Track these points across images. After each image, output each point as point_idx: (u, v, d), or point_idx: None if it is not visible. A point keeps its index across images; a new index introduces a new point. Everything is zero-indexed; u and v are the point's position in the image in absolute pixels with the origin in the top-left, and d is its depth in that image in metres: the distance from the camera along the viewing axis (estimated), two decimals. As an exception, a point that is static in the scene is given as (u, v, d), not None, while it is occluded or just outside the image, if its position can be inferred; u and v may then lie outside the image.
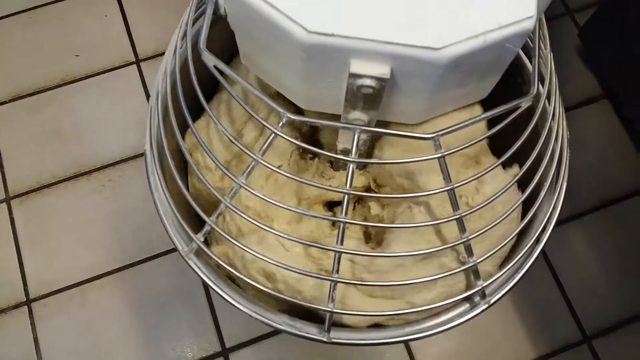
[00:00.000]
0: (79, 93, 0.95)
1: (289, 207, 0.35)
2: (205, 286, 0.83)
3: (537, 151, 0.37)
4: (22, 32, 0.99)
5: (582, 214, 0.88)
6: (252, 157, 0.35)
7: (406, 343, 0.82)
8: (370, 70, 0.31)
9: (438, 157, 0.35)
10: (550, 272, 0.85)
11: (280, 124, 0.35)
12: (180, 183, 0.37)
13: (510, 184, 0.37)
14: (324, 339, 0.39)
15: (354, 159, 0.35)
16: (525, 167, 0.37)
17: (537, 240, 0.41)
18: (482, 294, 0.38)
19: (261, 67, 0.38)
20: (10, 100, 0.94)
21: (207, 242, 0.41)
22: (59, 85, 0.95)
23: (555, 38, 0.90)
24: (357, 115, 0.37)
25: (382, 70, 0.31)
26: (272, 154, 0.44)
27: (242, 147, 0.35)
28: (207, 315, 0.83)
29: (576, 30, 0.98)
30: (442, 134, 0.35)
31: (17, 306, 0.83)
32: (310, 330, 0.40)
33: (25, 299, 0.84)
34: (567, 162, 0.41)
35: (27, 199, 0.89)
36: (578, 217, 0.88)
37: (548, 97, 0.39)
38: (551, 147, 0.40)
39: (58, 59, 0.97)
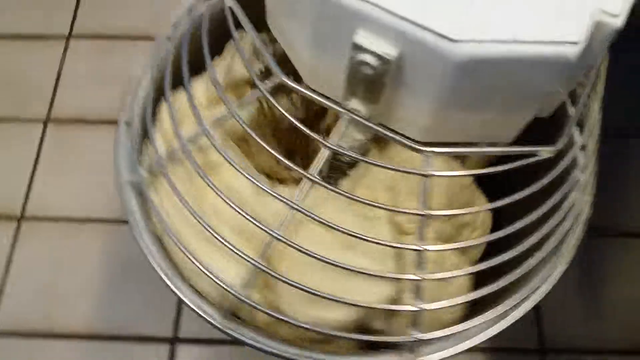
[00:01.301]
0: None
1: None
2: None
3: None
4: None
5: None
6: (229, 108, 0.32)
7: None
8: (376, 45, 0.28)
9: (422, 174, 0.30)
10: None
11: (271, 84, 0.31)
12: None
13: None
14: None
15: (330, 145, 0.30)
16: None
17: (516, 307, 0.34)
18: (411, 348, 0.32)
19: (280, 28, 0.35)
20: (89, 37, 0.97)
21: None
22: (140, 38, 0.97)
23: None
24: (355, 104, 0.33)
25: (388, 49, 0.27)
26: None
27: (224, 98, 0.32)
28: (172, 298, 0.79)
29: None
30: (438, 152, 0.30)
31: (8, 218, 0.83)
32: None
33: (19, 215, 0.84)
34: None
35: (63, 127, 0.90)
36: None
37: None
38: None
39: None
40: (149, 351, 0.75)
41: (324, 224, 0.29)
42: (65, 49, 0.95)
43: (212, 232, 0.31)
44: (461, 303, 0.32)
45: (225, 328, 0.32)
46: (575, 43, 0.26)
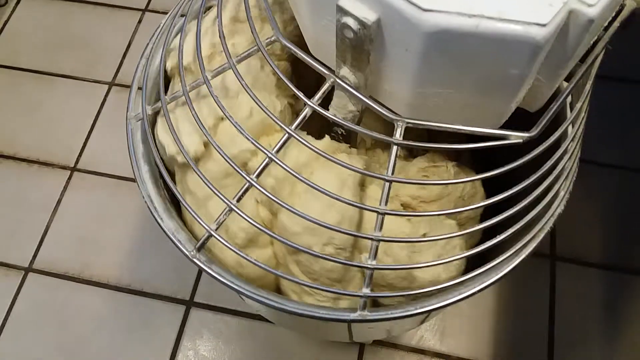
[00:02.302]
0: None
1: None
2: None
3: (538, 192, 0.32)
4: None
5: None
6: (229, 61, 0.34)
7: None
8: (357, 10, 0.29)
9: (392, 141, 0.31)
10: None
11: (267, 40, 0.34)
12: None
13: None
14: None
15: (312, 104, 0.32)
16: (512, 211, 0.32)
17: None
18: (363, 304, 0.33)
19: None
20: (161, 12, 1.03)
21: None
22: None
23: None
24: (345, 72, 0.34)
25: (367, 14, 0.29)
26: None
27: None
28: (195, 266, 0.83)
29: None
30: (408, 121, 0.32)
31: (63, 167, 0.90)
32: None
33: (72, 165, 0.91)
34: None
35: (124, 92, 0.97)
36: None
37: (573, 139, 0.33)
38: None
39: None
40: (166, 310, 0.80)
41: (290, 173, 0.31)
42: (140, 21, 1.02)
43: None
44: (408, 268, 0.33)
45: (194, 258, 0.34)
46: (543, 25, 0.27)
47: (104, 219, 0.87)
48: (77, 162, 0.91)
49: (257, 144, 0.33)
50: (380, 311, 0.33)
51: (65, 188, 0.89)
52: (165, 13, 1.01)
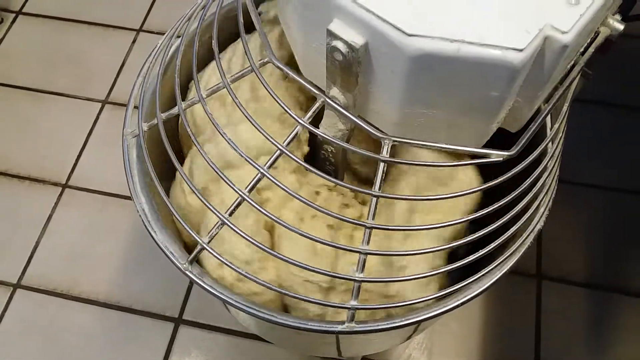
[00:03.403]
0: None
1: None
2: (201, 256, 0.85)
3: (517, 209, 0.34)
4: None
5: None
6: (223, 81, 0.36)
7: None
8: (346, 34, 0.31)
9: (380, 159, 0.33)
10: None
11: (260, 61, 0.35)
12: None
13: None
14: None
15: (303, 122, 0.34)
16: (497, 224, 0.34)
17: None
18: (351, 316, 0.34)
19: (284, 17, 0.39)
20: (156, 33, 1.05)
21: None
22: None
23: None
24: (335, 92, 0.36)
25: (356, 38, 0.31)
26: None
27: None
28: (184, 281, 0.83)
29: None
30: (396, 140, 0.33)
31: (54, 184, 0.91)
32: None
33: (64, 182, 0.91)
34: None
35: (118, 109, 0.98)
36: None
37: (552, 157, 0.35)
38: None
39: None
40: (155, 327, 0.80)
41: (285, 190, 0.32)
42: (134, 41, 1.04)
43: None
44: (394, 280, 0.34)
45: (186, 270, 0.35)
46: (519, 50, 0.28)
47: (94, 235, 0.87)
48: (68, 178, 0.92)
49: (248, 159, 0.34)
50: (368, 323, 0.34)
51: (56, 204, 0.90)
52: (160, 34, 1.02)
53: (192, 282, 0.82)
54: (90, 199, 0.90)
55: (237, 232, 0.33)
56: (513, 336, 0.78)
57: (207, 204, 0.33)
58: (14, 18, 1.06)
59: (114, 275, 0.84)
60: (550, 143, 0.36)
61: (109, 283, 0.84)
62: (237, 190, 0.34)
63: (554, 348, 0.77)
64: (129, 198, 0.89)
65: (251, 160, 0.34)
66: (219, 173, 0.33)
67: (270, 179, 0.33)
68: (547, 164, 0.35)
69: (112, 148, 0.94)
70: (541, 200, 0.36)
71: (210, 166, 0.33)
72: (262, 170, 0.34)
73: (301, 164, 0.33)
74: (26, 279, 0.83)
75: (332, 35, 0.31)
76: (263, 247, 0.33)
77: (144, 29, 1.06)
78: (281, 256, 0.32)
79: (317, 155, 0.44)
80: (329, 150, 0.42)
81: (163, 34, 1.06)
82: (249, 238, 0.33)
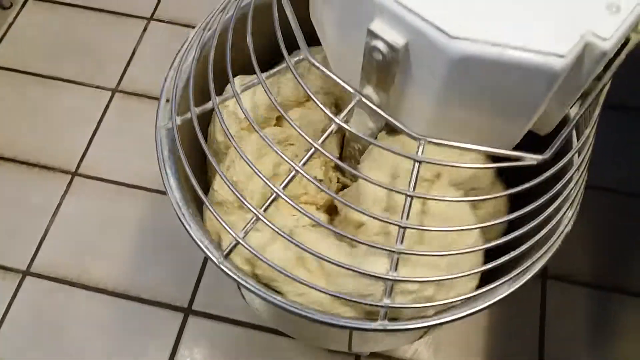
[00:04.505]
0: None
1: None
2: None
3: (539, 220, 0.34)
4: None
5: None
6: (258, 76, 0.36)
7: None
8: (387, 34, 0.31)
9: (414, 159, 0.33)
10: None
11: (296, 58, 0.36)
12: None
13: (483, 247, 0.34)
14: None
15: (339, 121, 0.34)
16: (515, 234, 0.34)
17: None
18: (384, 314, 0.35)
19: (317, 16, 0.39)
20: (167, 22, 1.05)
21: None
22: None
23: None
24: (369, 91, 0.36)
25: (397, 38, 0.31)
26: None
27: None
28: (194, 273, 0.84)
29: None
30: (431, 141, 0.33)
31: (63, 171, 0.91)
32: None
33: (73, 170, 0.91)
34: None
35: (128, 98, 0.98)
36: None
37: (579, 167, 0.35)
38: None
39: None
40: (164, 317, 0.80)
41: (317, 186, 0.33)
42: (145, 29, 1.04)
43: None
44: (429, 280, 0.35)
45: (221, 264, 0.36)
46: (561, 56, 0.29)
47: (103, 224, 0.87)
48: (78, 166, 0.92)
49: (283, 156, 0.34)
50: (401, 321, 0.35)
51: (65, 192, 0.90)
52: (171, 23, 1.02)
53: (201, 273, 0.84)
54: (100, 187, 0.90)
55: (271, 227, 0.34)
56: (517, 334, 0.79)
57: (243, 200, 0.34)
58: (23, 3, 1.06)
59: (123, 264, 0.85)
60: (578, 153, 0.37)
61: (118, 272, 0.84)
62: (271, 186, 0.34)
63: (558, 346, 0.78)
64: (139, 187, 0.90)
65: (287, 158, 0.34)
66: (264, 179, 0.33)
67: (305, 176, 0.34)
68: (579, 165, 0.36)
69: (123, 137, 0.94)
70: (570, 204, 0.37)
71: (249, 165, 0.34)
72: (297, 168, 0.34)
73: (337, 163, 0.33)
74: (35, 266, 0.84)
75: (372, 34, 0.32)
76: (302, 245, 0.33)
77: (155, 18, 1.05)
78: (319, 255, 0.33)
79: (342, 153, 0.44)
80: (356, 147, 0.43)
81: (174, 23, 1.06)
82: (286, 237, 0.33)
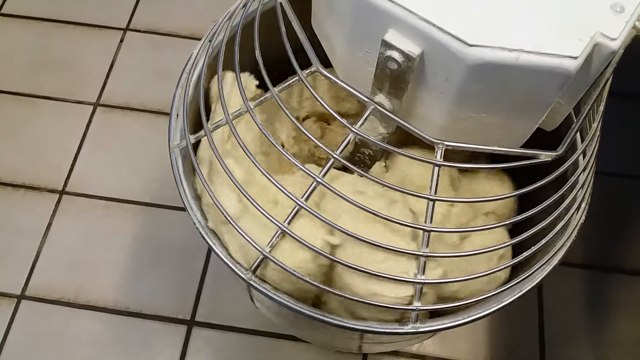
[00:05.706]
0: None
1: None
2: (207, 256, 0.85)
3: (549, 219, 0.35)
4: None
5: None
6: (271, 91, 0.36)
7: None
8: (402, 44, 0.32)
9: (434, 163, 0.34)
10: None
11: (307, 71, 0.36)
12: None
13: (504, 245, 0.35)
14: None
15: (356, 130, 0.35)
16: (528, 234, 0.35)
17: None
18: (415, 317, 0.35)
19: (322, 28, 0.40)
20: (143, 32, 1.04)
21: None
22: (190, 37, 1.04)
23: None
24: (381, 98, 0.37)
25: (413, 48, 0.32)
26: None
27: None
28: (194, 283, 0.83)
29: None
30: (448, 144, 0.34)
31: (51, 191, 0.89)
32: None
33: (61, 189, 0.89)
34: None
35: (110, 112, 0.96)
36: None
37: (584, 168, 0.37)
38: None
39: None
40: (168, 331, 0.80)
41: (343, 198, 0.33)
42: (122, 40, 1.02)
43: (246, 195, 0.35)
44: (457, 280, 0.36)
45: (250, 280, 0.36)
46: (574, 58, 0.30)
47: (96, 241, 0.86)
48: (65, 184, 0.90)
49: (303, 168, 0.35)
50: (432, 322, 0.36)
51: (54, 212, 0.88)
52: (148, 32, 1.00)
53: (201, 283, 0.83)
54: (90, 204, 0.89)
55: (297, 240, 0.34)
56: (518, 319, 0.81)
57: (265, 214, 0.34)
58: (-6, 20, 1.03)
59: (121, 280, 0.84)
60: (588, 146, 0.38)
61: (116, 289, 0.83)
62: (294, 198, 0.34)
63: (556, 328, 0.80)
64: (128, 202, 0.89)
65: (306, 169, 0.35)
66: (279, 187, 0.34)
67: (327, 186, 0.34)
68: (588, 160, 0.37)
69: (108, 152, 0.93)
70: (583, 195, 0.38)
71: (270, 180, 0.34)
72: (317, 179, 0.35)
73: (360, 173, 0.34)
74: (30, 290, 0.82)
75: (387, 45, 0.32)
76: (331, 257, 0.34)
77: (131, 28, 1.04)
78: (349, 264, 0.33)
79: (352, 158, 0.45)
80: (367, 153, 0.43)
81: (151, 32, 1.05)
82: (311, 246, 0.34)
